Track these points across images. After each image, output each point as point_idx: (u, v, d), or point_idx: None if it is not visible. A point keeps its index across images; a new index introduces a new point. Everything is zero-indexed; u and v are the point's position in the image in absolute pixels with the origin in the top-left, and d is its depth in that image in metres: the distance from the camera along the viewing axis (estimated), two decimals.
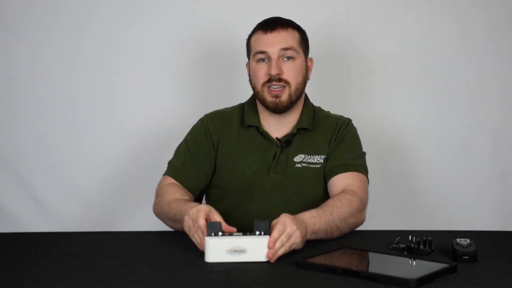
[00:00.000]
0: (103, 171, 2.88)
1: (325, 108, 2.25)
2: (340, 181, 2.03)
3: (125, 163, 2.88)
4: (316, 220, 1.80)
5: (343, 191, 1.98)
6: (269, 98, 2.06)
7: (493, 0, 2.84)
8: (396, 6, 2.85)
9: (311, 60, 2.18)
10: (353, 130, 2.17)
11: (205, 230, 1.67)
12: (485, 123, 2.86)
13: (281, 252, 1.64)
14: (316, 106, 2.22)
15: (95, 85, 2.87)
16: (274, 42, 2.05)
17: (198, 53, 2.87)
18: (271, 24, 2.08)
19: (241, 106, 2.20)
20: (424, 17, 2.85)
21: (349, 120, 2.18)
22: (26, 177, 2.88)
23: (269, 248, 1.62)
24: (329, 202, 1.92)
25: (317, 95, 2.30)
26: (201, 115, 2.23)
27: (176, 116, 2.83)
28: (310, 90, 2.21)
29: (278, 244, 1.63)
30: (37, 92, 2.88)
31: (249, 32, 2.16)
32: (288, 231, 1.66)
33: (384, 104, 2.88)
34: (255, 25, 2.14)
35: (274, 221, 1.68)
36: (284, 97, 2.05)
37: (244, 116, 2.15)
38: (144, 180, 2.25)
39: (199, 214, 1.72)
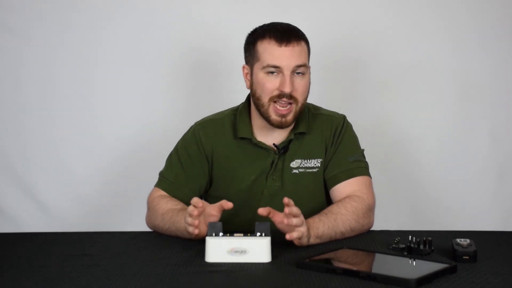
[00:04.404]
0: (103, 171, 2.88)
1: (327, 108, 2.17)
2: (345, 188, 1.99)
3: (125, 163, 2.88)
4: (319, 225, 1.80)
5: (348, 197, 1.95)
6: (273, 116, 1.95)
7: (495, 1, 2.84)
8: (396, 7, 2.85)
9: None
10: (349, 129, 2.09)
11: (193, 211, 1.69)
12: (485, 123, 2.86)
13: (295, 221, 1.68)
14: (308, 104, 2.12)
15: (94, 86, 2.88)
16: (289, 57, 1.92)
17: (196, 54, 2.87)
18: (285, 36, 1.94)
19: (233, 114, 2.09)
20: (425, 17, 2.85)
21: (343, 118, 2.09)
22: (26, 177, 2.88)
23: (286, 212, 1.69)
24: (334, 208, 1.89)
25: (317, 95, 2.29)
26: (199, 115, 2.17)
27: (174, 115, 2.84)
28: (311, 90, 2.17)
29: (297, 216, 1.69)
30: (35, 93, 2.88)
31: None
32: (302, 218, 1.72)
33: (384, 104, 2.87)
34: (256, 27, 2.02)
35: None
36: (290, 116, 1.96)
37: (236, 127, 2.05)
38: (144, 180, 2.24)
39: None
